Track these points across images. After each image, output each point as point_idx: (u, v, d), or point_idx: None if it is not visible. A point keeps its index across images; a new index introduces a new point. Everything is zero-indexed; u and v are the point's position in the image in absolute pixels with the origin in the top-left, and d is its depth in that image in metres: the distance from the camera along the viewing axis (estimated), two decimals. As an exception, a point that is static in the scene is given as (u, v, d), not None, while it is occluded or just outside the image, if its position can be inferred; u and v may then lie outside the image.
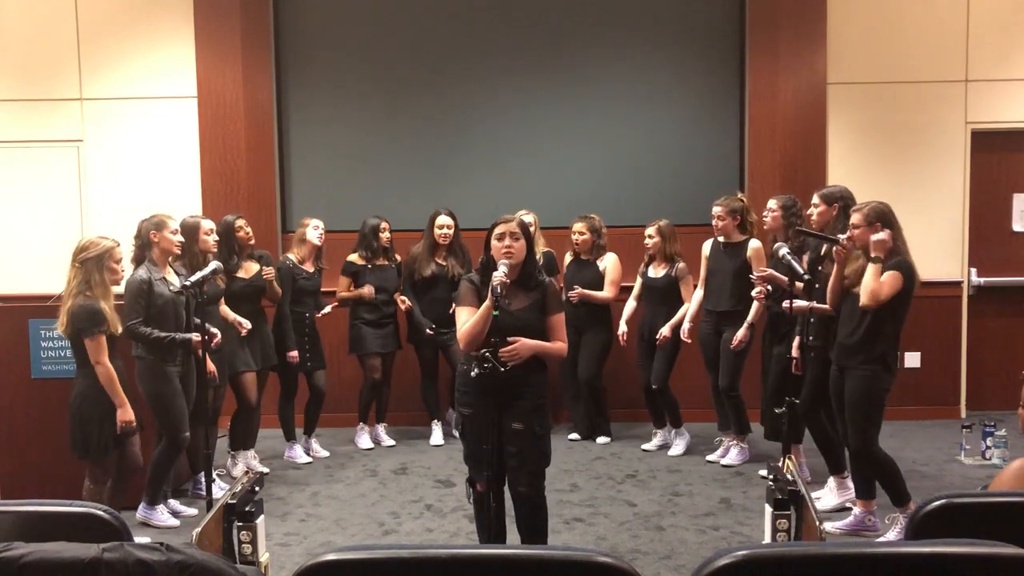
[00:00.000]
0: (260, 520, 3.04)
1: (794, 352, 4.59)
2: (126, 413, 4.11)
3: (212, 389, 4.77)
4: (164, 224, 4.51)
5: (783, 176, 6.39)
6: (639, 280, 5.84)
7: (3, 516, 2.06)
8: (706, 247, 5.55)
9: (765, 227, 5.20)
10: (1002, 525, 1.96)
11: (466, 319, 3.47)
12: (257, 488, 3.11)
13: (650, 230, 5.70)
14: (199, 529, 2.72)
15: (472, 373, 3.39)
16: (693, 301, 5.58)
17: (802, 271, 4.24)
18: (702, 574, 1.56)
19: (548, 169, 6.66)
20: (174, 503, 4.74)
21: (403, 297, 5.95)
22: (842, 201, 4.55)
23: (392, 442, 6.03)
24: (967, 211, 6.52)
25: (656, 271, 5.71)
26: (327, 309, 5.74)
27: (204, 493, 4.35)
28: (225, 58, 6.44)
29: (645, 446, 5.84)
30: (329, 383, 6.17)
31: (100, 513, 2.05)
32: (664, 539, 4.27)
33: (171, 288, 4.48)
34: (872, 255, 4.02)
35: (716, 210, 5.38)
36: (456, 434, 6.05)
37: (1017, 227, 6.65)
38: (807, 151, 6.47)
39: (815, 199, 4.67)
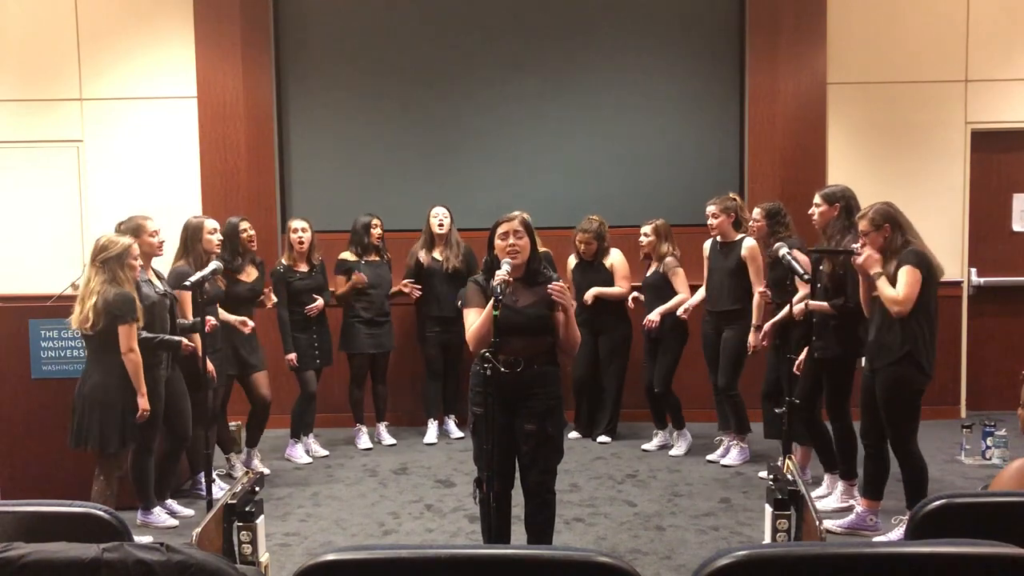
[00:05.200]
0: (260, 520, 3.04)
1: (801, 355, 4.58)
2: (147, 402, 4.20)
3: (211, 390, 4.77)
4: (142, 228, 4.54)
5: (783, 176, 6.39)
6: None
7: (3, 516, 2.06)
8: (706, 247, 5.56)
9: (752, 236, 5.20)
10: (1002, 525, 1.96)
11: (473, 320, 3.48)
12: (257, 488, 3.11)
13: (646, 229, 5.70)
14: (199, 529, 2.72)
15: (486, 374, 3.37)
16: (695, 299, 5.58)
17: (802, 271, 4.24)
18: (702, 574, 1.56)
19: (548, 169, 6.66)
20: (171, 503, 4.73)
21: (406, 282, 5.99)
22: (843, 200, 4.54)
23: (393, 441, 6.04)
24: (967, 211, 6.52)
25: (649, 270, 5.74)
26: (317, 303, 5.64)
27: (204, 493, 4.36)
28: (225, 58, 6.44)
29: (645, 446, 5.84)
30: (330, 382, 6.19)
31: (100, 513, 2.05)
32: (664, 539, 4.27)
33: (156, 291, 4.50)
34: (872, 273, 4.01)
35: (710, 209, 5.38)
36: (461, 433, 6.15)
37: (1017, 227, 6.65)
38: (807, 151, 6.47)
39: (816, 199, 4.65)
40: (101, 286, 4.11)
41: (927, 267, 3.98)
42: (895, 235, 4.04)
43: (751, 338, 5.18)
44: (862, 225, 4.11)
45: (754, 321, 5.20)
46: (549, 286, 3.45)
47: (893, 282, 3.99)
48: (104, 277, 4.13)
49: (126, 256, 4.17)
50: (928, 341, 4.04)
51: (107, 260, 4.13)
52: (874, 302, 4.16)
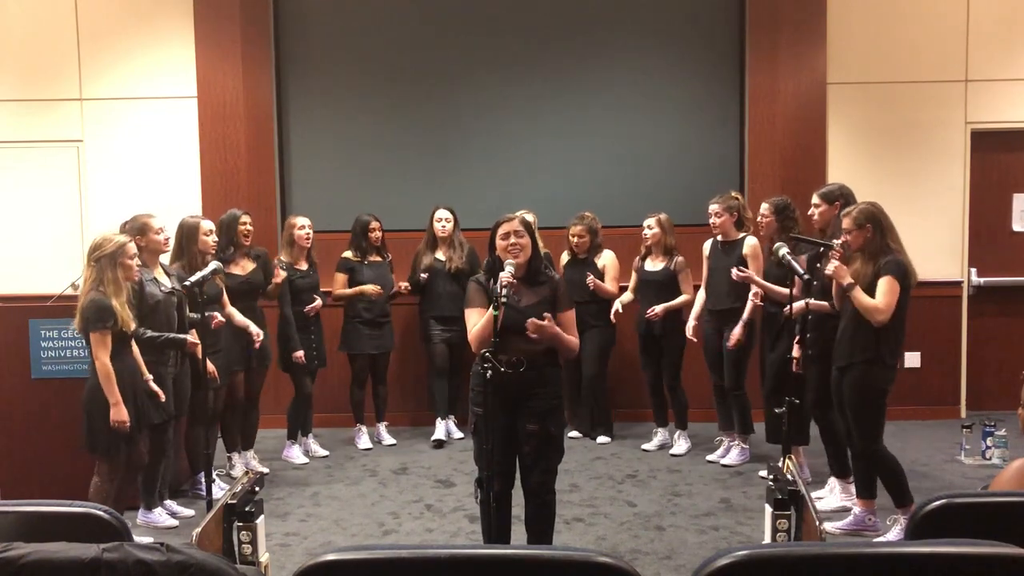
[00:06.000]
0: (260, 520, 3.04)
1: (795, 352, 4.59)
2: (119, 413, 4.04)
3: (212, 390, 4.76)
4: (147, 227, 4.50)
5: (783, 176, 6.39)
6: (634, 275, 5.83)
7: (3, 516, 2.06)
8: (706, 247, 5.55)
9: (760, 232, 5.19)
10: (1002, 525, 1.96)
11: (475, 321, 3.49)
12: (257, 488, 3.11)
13: (649, 221, 5.68)
14: (199, 529, 2.72)
15: (487, 375, 3.36)
16: (697, 301, 5.58)
17: (802, 270, 4.25)
18: (702, 574, 1.56)
19: (548, 169, 6.66)
20: (171, 504, 4.73)
21: (402, 284, 5.98)
22: (843, 199, 4.57)
23: (393, 441, 6.03)
24: (967, 211, 6.52)
25: (654, 264, 5.70)
26: (316, 303, 5.66)
27: (204, 493, 4.35)
28: (225, 58, 6.44)
29: (645, 446, 5.84)
30: (330, 382, 6.19)
31: (100, 513, 2.05)
32: (664, 539, 4.27)
33: (162, 289, 4.48)
34: (844, 284, 4.06)
35: (713, 208, 5.38)
36: (461, 433, 6.15)
37: (1017, 227, 6.65)
38: (807, 151, 6.47)
39: (815, 199, 4.67)
40: (89, 287, 4.05)
41: (904, 276, 4.04)
42: (875, 236, 4.08)
43: (738, 331, 5.22)
44: (845, 223, 4.15)
45: (745, 317, 5.22)
46: (527, 324, 3.41)
47: (871, 282, 4.04)
48: (94, 278, 4.05)
49: (120, 255, 4.06)
50: (895, 343, 4.12)
51: (100, 259, 4.04)
52: (845, 300, 4.19)
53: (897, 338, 4.14)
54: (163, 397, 4.29)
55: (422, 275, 5.95)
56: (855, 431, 4.16)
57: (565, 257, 6.03)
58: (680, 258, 5.64)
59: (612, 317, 5.80)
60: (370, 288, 5.78)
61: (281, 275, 5.38)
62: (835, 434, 4.57)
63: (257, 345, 5.06)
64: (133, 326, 4.13)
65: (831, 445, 4.64)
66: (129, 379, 4.14)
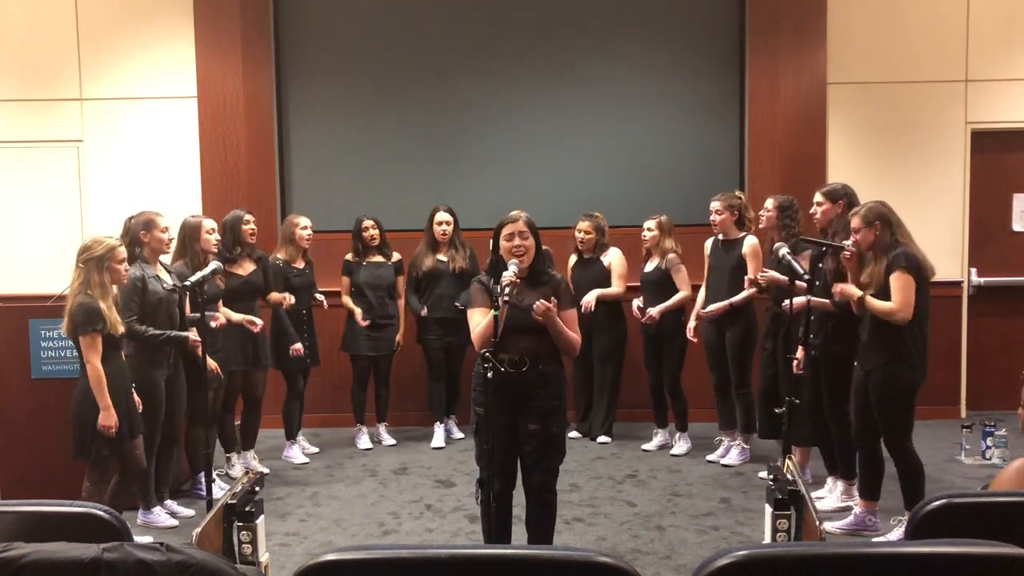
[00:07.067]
0: (260, 520, 3.04)
1: (798, 353, 4.57)
2: (108, 418, 3.99)
3: (212, 390, 4.76)
4: (153, 223, 4.51)
5: (783, 176, 6.39)
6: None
7: (3, 516, 2.06)
8: (707, 246, 5.55)
9: (760, 226, 5.19)
10: (1002, 525, 1.96)
11: (478, 321, 3.49)
12: (257, 488, 3.11)
13: (649, 223, 5.68)
14: (199, 529, 2.72)
15: (489, 375, 3.36)
16: (698, 302, 5.57)
17: (802, 271, 4.24)
18: (702, 574, 1.56)
19: (548, 169, 6.66)
20: (171, 503, 4.73)
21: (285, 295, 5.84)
22: (846, 198, 4.56)
23: (393, 441, 6.03)
24: (967, 211, 6.52)
25: (649, 265, 5.72)
26: (322, 301, 5.72)
27: (204, 493, 4.35)
28: (225, 58, 6.44)
29: (645, 446, 5.84)
30: (329, 382, 6.19)
31: (100, 513, 2.05)
32: (664, 539, 4.27)
33: (164, 286, 4.48)
34: (855, 300, 4.03)
35: (714, 205, 5.38)
36: (461, 433, 6.14)
37: (1017, 227, 6.65)
38: (807, 151, 6.47)
39: (818, 197, 4.65)
40: (76, 291, 4.01)
41: (917, 269, 4.00)
42: (885, 233, 4.06)
43: (719, 306, 5.26)
44: (854, 222, 4.13)
45: (733, 300, 5.22)
46: (533, 308, 3.40)
47: (884, 282, 4.01)
48: (81, 280, 4.00)
49: (108, 259, 4.01)
50: (919, 341, 4.07)
51: (88, 261, 3.99)
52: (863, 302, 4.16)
53: (920, 336, 4.07)
54: (139, 407, 4.25)
55: (423, 311, 5.88)
56: (884, 431, 4.13)
57: (572, 259, 6.02)
58: (671, 255, 5.62)
59: (635, 311, 5.68)
60: (280, 297, 5.45)
61: (289, 300, 5.39)
62: (848, 433, 4.54)
63: (256, 329, 5.03)
64: (121, 329, 4.11)
65: (841, 445, 4.59)
66: (120, 383, 4.10)
